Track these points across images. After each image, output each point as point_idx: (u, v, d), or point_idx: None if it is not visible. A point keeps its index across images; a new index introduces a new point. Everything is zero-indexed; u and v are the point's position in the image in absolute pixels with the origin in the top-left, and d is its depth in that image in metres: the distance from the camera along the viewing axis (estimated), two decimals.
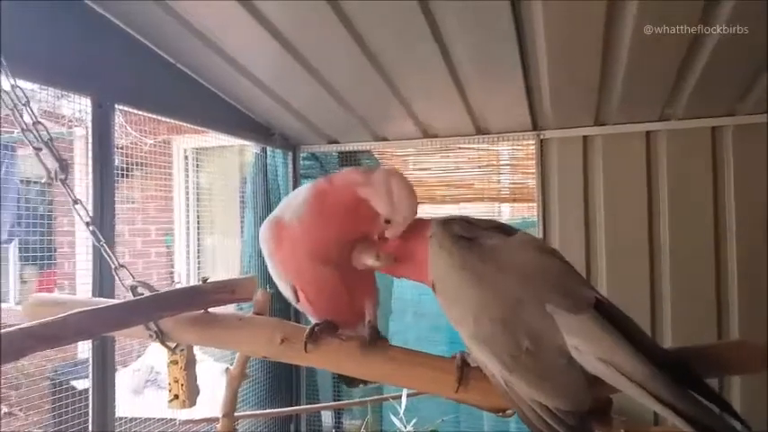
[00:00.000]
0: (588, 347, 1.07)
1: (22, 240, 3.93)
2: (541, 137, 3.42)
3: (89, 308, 1.19)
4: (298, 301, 1.49)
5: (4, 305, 3.67)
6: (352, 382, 1.74)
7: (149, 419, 3.15)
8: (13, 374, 4.11)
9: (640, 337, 1.10)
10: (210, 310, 1.45)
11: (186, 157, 4.55)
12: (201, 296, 1.40)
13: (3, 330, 1.05)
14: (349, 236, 1.37)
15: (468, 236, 1.24)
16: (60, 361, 4.13)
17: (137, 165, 4.27)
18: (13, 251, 4.22)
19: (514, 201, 3.93)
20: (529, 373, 1.09)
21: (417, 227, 1.33)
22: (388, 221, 1.32)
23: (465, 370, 1.27)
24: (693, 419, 0.98)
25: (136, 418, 3.15)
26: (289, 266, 1.44)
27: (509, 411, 1.28)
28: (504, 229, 1.30)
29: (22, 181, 3.76)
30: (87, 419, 2.33)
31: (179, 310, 1.39)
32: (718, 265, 3.20)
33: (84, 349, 2.53)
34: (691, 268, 3.23)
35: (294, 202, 1.41)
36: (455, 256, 1.22)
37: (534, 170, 3.47)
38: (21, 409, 4.07)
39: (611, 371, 1.04)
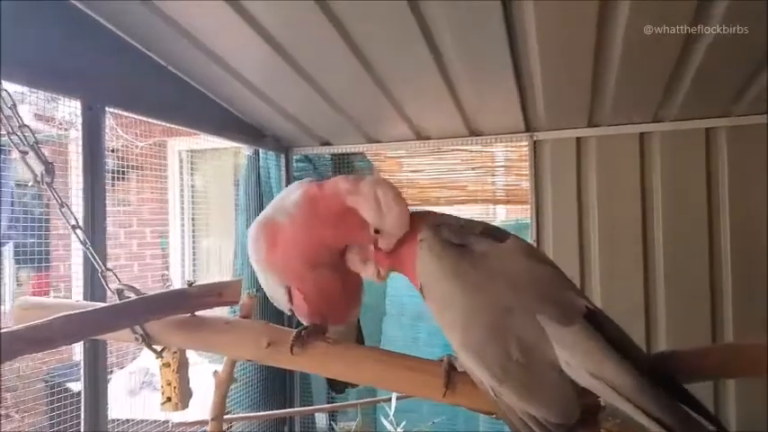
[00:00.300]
0: (578, 361, 1.05)
1: (18, 243, 3.93)
2: (534, 138, 3.41)
3: (74, 311, 1.18)
4: (290, 302, 1.48)
5: None
6: (336, 386, 1.75)
7: (143, 421, 3.15)
8: (9, 376, 4.11)
9: (629, 347, 1.09)
10: (199, 312, 1.44)
11: (181, 160, 4.56)
12: (187, 300, 1.39)
13: None
14: (339, 243, 1.39)
15: (458, 242, 1.23)
16: (55, 363, 4.13)
17: (132, 167, 4.27)
18: (8, 254, 4.21)
19: (508, 202, 3.92)
20: (519, 384, 1.08)
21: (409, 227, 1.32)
22: (377, 231, 1.32)
23: (452, 374, 1.26)
24: None
25: (130, 420, 3.15)
26: (283, 268, 1.44)
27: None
28: (495, 234, 1.28)
29: (17, 184, 3.76)
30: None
31: (165, 314, 1.38)
32: (713, 266, 3.20)
33: (79, 351, 2.52)
34: (685, 270, 3.22)
35: (284, 203, 1.41)
36: (444, 262, 1.20)
37: (528, 172, 3.47)
38: (17, 411, 4.07)
39: (601, 385, 1.04)
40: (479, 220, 1.40)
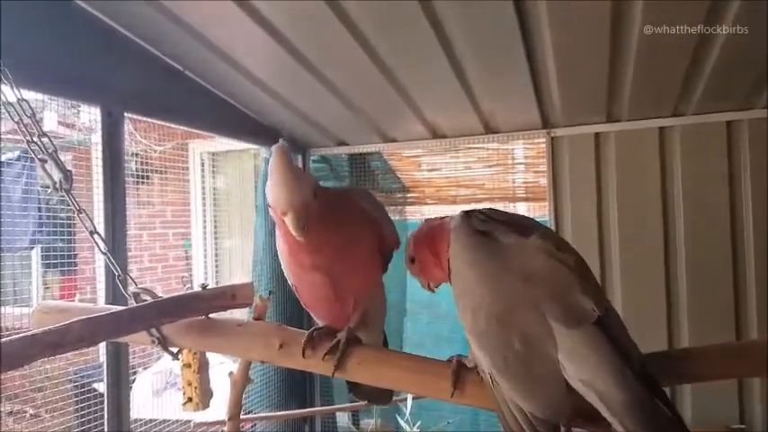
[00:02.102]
0: (574, 366, 1.06)
1: (45, 247, 4.02)
2: (552, 135, 3.38)
3: (90, 315, 1.22)
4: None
5: (24, 310, 3.75)
6: (379, 398, 1.74)
7: (166, 421, 3.21)
8: (37, 377, 4.22)
9: (631, 359, 1.07)
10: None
11: (202, 161, 4.62)
12: (201, 302, 1.42)
13: (11, 338, 1.09)
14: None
15: (485, 229, 1.24)
16: (82, 364, 4.23)
17: (154, 170, 4.34)
18: (35, 257, 4.31)
19: (527, 200, 3.90)
20: (514, 375, 1.10)
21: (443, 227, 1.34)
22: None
23: (461, 374, 1.28)
24: None
25: (153, 420, 3.21)
26: (288, 270, 1.47)
27: None
28: (526, 226, 1.26)
29: (43, 187, 3.85)
30: None
31: (179, 317, 1.41)
32: (736, 262, 3.14)
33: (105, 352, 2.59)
34: (707, 266, 3.17)
35: None
36: (467, 250, 1.24)
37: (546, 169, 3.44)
38: (46, 411, 4.17)
39: (591, 393, 1.04)
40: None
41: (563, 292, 1.12)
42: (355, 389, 1.75)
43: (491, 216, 1.29)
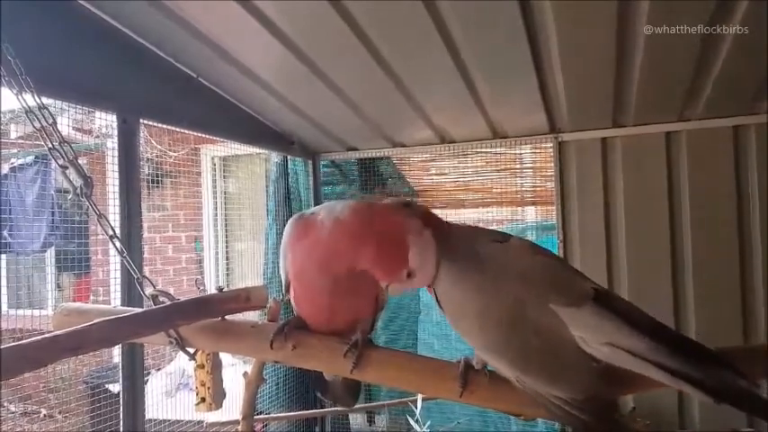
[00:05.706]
0: (593, 336, 1.11)
1: (60, 250, 4.09)
2: (559, 139, 3.41)
3: (110, 317, 1.26)
4: (288, 293, 1.53)
5: (42, 312, 3.82)
6: (344, 399, 1.77)
7: (179, 421, 3.25)
8: (51, 379, 4.28)
9: (642, 318, 1.12)
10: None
11: (214, 165, 4.68)
12: (216, 305, 1.46)
13: (32, 339, 1.13)
14: (362, 264, 1.33)
15: (464, 250, 1.27)
16: (95, 365, 4.29)
17: (167, 174, 4.41)
18: (49, 260, 4.38)
19: (534, 204, 3.91)
20: (542, 368, 1.13)
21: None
22: (410, 275, 1.29)
23: (469, 375, 1.31)
24: (702, 383, 1.01)
25: (166, 420, 3.26)
26: (296, 263, 1.46)
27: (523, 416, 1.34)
28: (501, 234, 1.33)
29: (58, 191, 3.92)
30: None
31: (196, 319, 1.45)
32: (743, 266, 3.15)
33: (118, 354, 2.63)
34: (715, 270, 3.19)
35: (335, 210, 1.40)
36: (452, 272, 1.25)
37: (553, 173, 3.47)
38: (60, 412, 4.23)
39: (617, 352, 1.08)
40: (507, 221, 1.43)
41: (560, 279, 1.19)
42: (323, 389, 1.76)
43: (463, 234, 1.32)
